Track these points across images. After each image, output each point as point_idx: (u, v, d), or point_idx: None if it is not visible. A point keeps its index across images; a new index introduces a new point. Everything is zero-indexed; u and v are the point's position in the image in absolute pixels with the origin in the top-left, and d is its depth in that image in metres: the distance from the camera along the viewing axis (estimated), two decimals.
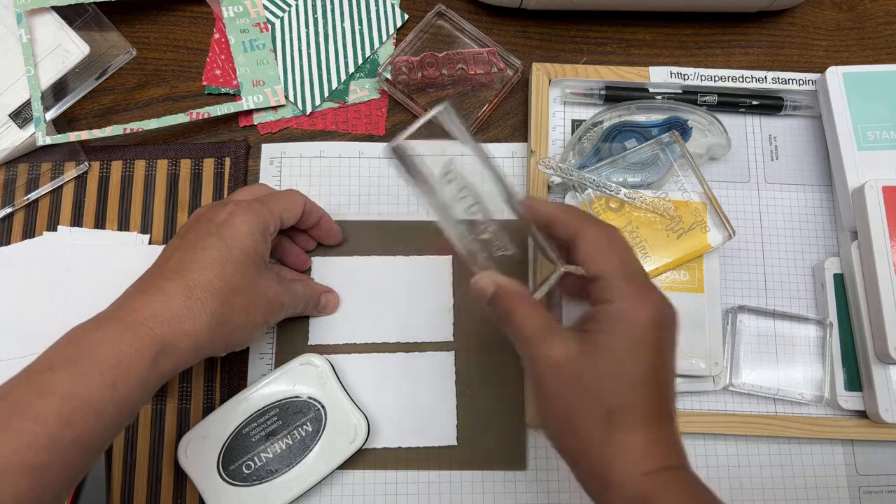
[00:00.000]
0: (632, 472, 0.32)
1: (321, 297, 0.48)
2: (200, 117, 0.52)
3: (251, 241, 0.40)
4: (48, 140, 0.49)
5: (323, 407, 0.45)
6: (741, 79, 0.52)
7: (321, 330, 0.49)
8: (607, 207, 0.48)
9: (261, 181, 0.52)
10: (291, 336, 0.49)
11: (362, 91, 0.54)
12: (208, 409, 0.47)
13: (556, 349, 0.34)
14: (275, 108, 0.54)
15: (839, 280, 0.49)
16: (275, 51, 0.55)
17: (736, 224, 0.48)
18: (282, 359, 0.48)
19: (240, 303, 0.40)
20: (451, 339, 0.49)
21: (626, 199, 0.48)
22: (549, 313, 0.36)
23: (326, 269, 0.50)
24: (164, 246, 0.49)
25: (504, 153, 0.53)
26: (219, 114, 0.52)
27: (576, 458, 0.34)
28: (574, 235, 0.36)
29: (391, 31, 0.55)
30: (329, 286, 0.49)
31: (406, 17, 0.55)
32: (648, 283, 0.35)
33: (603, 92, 0.52)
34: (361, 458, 0.46)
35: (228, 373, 0.48)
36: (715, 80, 0.52)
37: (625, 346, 0.33)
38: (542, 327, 0.34)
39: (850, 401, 0.47)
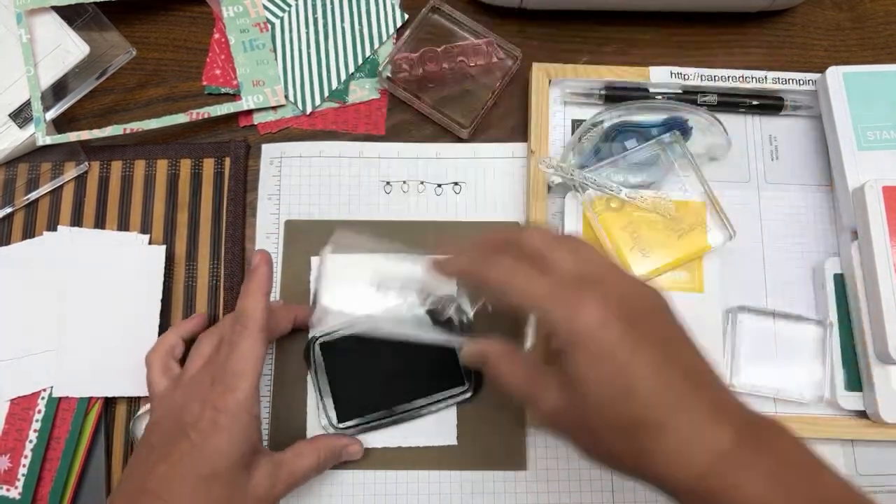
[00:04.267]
0: (687, 478, 0.29)
1: (342, 452, 0.45)
2: (200, 117, 0.52)
3: (238, 451, 0.37)
4: (48, 140, 0.49)
5: None
6: (741, 79, 0.52)
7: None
8: (608, 207, 0.48)
9: (261, 181, 0.52)
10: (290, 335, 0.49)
11: (362, 91, 0.54)
12: None
13: (547, 402, 0.33)
14: (275, 108, 0.54)
15: (839, 280, 0.49)
16: (275, 51, 0.55)
17: (736, 224, 0.48)
18: (281, 357, 0.48)
19: None
20: None
21: (626, 198, 0.48)
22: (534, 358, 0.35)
23: None
24: (163, 244, 0.49)
25: (504, 153, 0.53)
26: (219, 114, 0.52)
27: (642, 479, 0.32)
28: (483, 282, 0.35)
29: (391, 30, 0.55)
30: (352, 438, 0.46)
31: (406, 16, 0.55)
32: (580, 285, 0.32)
33: (603, 92, 0.52)
34: (361, 458, 0.46)
35: None
36: (715, 80, 0.52)
37: (583, 368, 0.31)
38: (528, 383, 0.34)
39: (850, 401, 0.47)
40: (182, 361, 0.44)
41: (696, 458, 0.29)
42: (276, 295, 0.50)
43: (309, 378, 0.48)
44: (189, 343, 0.45)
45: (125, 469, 0.40)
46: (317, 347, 0.47)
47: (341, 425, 0.46)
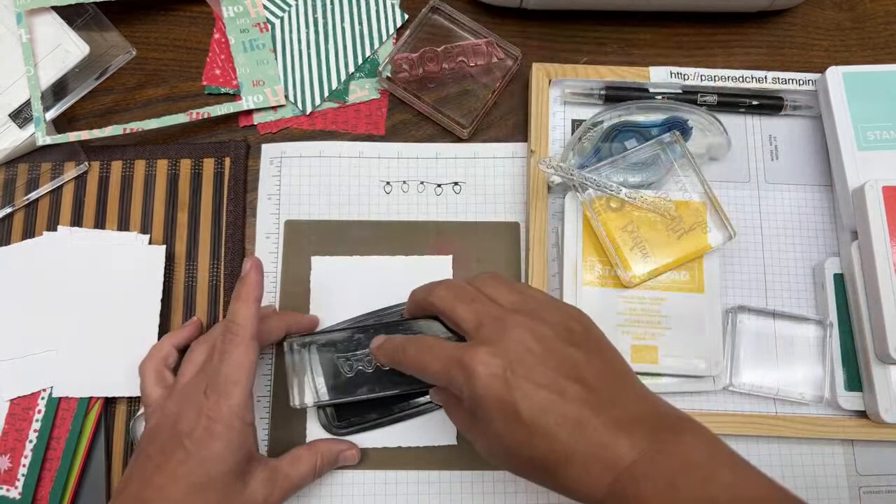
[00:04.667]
0: (595, 496, 0.32)
1: (339, 457, 0.45)
2: (200, 117, 0.52)
3: (232, 459, 0.38)
4: (48, 140, 0.49)
5: None
6: (741, 79, 0.52)
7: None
8: (608, 207, 0.48)
9: (261, 181, 0.52)
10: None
11: (362, 91, 0.54)
12: None
13: (479, 446, 0.37)
14: (275, 108, 0.54)
15: (839, 280, 0.49)
16: (275, 51, 0.55)
17: (736, 224, 0.48)
18: (281, 358, 0.48)
19: None
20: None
21: (627, 198, 0.48)
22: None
23: (327, 269, 0.50)
24: (162, 245, 0.49)
25: (504, 153, 0.53)
26: (219, 114, 0.52)
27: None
28: (404, 365, 0.39)
29: (391, 30, 0.55)
30: (349, 443, 0.46)
31: (406, 16, 0.55)
32: (474, 343, 0.36)
33: (603, 92, 0.52)
34: (362, 458, 0.46)
35: None
36: (715, 80, 0.52)
37: (483, 425, 0.35)
38: (466, 431, 0.38)
39: (850, 401, 0.47)
40: (176, 370, 0.44)
41: (599, 478, 0.32)
42: (276, 294, 0.50)
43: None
44: (183, 351, 0.45)
45: (122, 477, 0.40)
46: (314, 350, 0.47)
47: (339, 423, 0.46)
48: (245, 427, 0.38)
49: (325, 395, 0.43)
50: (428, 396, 0.46)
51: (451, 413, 0.40)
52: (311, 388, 0.43)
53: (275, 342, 0.47)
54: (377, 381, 0.43)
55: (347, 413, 0.46)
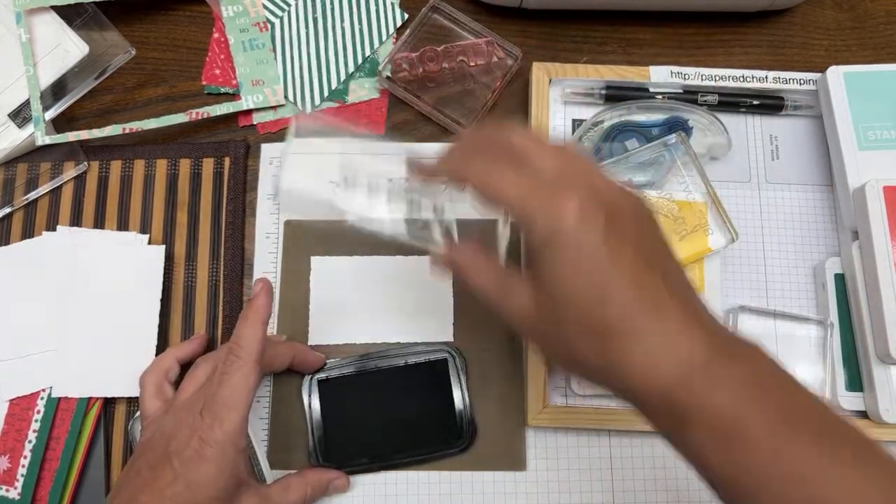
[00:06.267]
0: (655, 389, 0.29)
1: (328, 486, 0.44)
2: (200, 117, 0.52)
3: (221, 484, 0.36)
4: (47, 140, 0.49)
5: None
6: (742, 78, 0.52)
7: (320, 331, 0.49)
8: None
9: (261, 181, 0.52)
10: (290, 339, 0.49)
11: (362, 91, 0.54)
12: None
13: (516, 304, 0.32)
14: (274, 107, 0.54)
15: (840, 280, 0.49)
16: (274, 50, 0.54)
17: (736, 223, 0.48)
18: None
19: None
20: (451, 339, 0.49)
21: None
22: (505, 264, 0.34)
23: (327, 269, 0.50)
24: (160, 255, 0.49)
25: None
26: (218, 113, 0.52)
27: (610, 387, 0.31)
28: (463, 182, 0.33)
29: (391, 30, 0.55)
30: (339, 472, 0.45)
31: (406, 16, 0.55)
32: (563, 184, 0.30)
33: (603, 91, 0.52)
34: None
35: None
36: (715, 80, 0.52)
37: (558, 267, 0.30)
38: (498, 286, 0.33)
39: (851, 401, 0.47)
40: (178, 384, 0.44)
41: (666, 369, 0.29)
42: (276, 295, 0.50)
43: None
44: (186, 366, 0.45)
45: (114, 487, 0.39)
46: (314, 384, 0.47)
47: (328, 465, 0.46)
48: (237, 453, 0.37)
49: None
50: (421, 451, 0.46)
51: (471, 270, 0.35)
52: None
53: (279, 370, 0.46)
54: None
55: (337, 454, 0.46)
